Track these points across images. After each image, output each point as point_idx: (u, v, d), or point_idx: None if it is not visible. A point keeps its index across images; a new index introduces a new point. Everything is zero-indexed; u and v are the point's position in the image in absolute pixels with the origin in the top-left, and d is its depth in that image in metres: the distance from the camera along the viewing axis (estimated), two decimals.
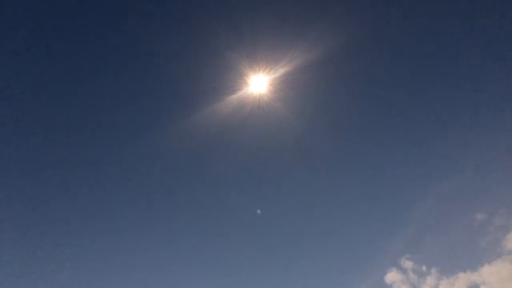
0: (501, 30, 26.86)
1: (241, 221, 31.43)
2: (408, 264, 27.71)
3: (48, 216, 28.80)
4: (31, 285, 26.30)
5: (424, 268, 27.41)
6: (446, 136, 29.46)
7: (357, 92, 28.42)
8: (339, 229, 30.91)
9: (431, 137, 29.77)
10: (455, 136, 29.21)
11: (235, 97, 25.53)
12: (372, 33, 26.67)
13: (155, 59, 28.39)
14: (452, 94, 28.98)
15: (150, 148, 29.68)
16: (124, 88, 29.42)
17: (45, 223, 28.61)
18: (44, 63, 28.25)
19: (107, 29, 28.27)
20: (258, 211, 30.66)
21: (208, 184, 31.35)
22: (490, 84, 28.06)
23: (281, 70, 24.50)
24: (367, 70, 28.00)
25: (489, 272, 25.45)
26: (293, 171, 30.46)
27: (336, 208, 31.24)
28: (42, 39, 27.49)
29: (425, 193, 29.02)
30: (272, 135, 28.10)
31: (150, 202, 31.09)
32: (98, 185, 30.14)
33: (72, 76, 28.97)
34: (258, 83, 25.17)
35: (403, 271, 27.65)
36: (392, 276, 27.62)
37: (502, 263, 25.57)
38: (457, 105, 29.06)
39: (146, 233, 30.49)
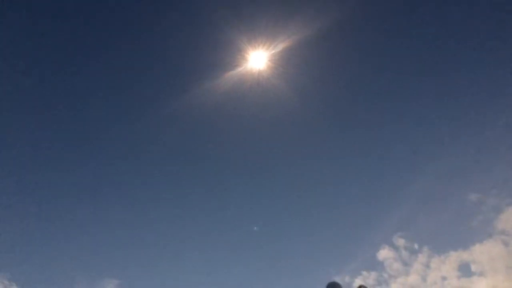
0: (499, 19, 26.84)
1: (237, 196, 31.95)
2: (400, 241, 28.10)
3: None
4: None
5: (416, 246, 27.78)
6: (441, 116, 29.61)
7: (356, 68, 28.48)
8: (334, 205, 31.68)
9: (426, 117, 29.92)
10: (450, 116, 29.37)
11: (234, 73, 25.38)
12: (371, 9, 26.58)
13: (153, 35, 28.35)
14: (450, 75, 29.03)
15: (148, 125, 29.97)
16: (122, 64, 29.53)
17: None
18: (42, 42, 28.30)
19: (105, 5, 28.18)
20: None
21: (207, 162, 31.77)
22: (487, 66, 28.02)
23: (280, 46, 24.33)
24: (366, 46, 28.04)
25: (480, 252, 25.65)
26: (291, 148, 30.83)
27: (332, 185, 31.82)
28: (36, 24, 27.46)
29: (420, 173, 29.37)
30: (271, 111, 28.31)
31: (148, 181, 31.59)
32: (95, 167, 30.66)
33: (71, 53, 29.08)
34: (257, 59, 24.97)
35: (395, 248, 28.09)
36: (384, 253, 28.09)
37: (493, 243, 25.76)
38: (454, 85, 29.08)
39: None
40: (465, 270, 25.80)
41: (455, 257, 26.33)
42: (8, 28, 26.26)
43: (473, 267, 25.51)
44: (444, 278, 26.27)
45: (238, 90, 26.25)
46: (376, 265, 27.94)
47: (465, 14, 27.22)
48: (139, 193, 31.36)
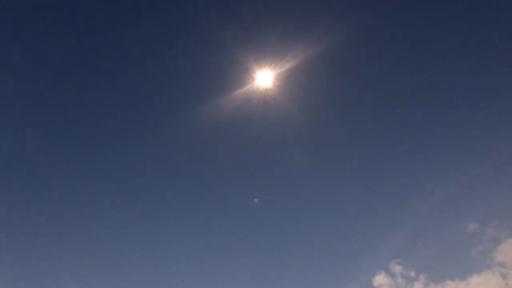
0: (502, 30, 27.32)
1: (239, 216, 31.52)
2: (397, 268, 27.40)
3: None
4: None
5: (412, 273, 27.02)
6: (444, 143, 29.74)
7: (361, 88, 28.92)
8: (333, 226, 30.97)
9: (430, 144, 30.07)
10: (453, 144, 29.49)
11: (241, 92, 26.05)
12: (377, 31, 27.29)
13: (162, 54, 29.39)
14: (451, 106, 29.57)
15: (157, 142, 30.48)
16: (132, 83, 30.57)
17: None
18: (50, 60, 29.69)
19: (115, 24, 29.51)
20: (255, 200, 30.81)
21: (213, 179, 31.94)
22: (490, 94, 28.64)
23: (286, 65, 24.99)
24: (371, 67, 28.57)
25: (477, 283, 24.98)
26: (293, 168, 30.80)
27: (332, 207, 31.38)
28: (45, 38, 28.87)
29: (420, 200, 29.02)
30: (277, 129, 28.66)
31: (153, 196, 31.76)
32: (102, 180, 31.07)
33: (83, 72, 30.32)
34: (264, 78, 25.64)
35: (392, 275, 27.33)
36: (380, 279, 27.28)
37: (490, 275, 25.28)
38: (455, 115, 29.61)
39: (147, 228, 30.96)
40: None
41: (451, 287, 25.67)
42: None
43: None
44: None
45: (245, 108, 26.84)
46: None
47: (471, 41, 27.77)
48: (132, 199, 31.30)
